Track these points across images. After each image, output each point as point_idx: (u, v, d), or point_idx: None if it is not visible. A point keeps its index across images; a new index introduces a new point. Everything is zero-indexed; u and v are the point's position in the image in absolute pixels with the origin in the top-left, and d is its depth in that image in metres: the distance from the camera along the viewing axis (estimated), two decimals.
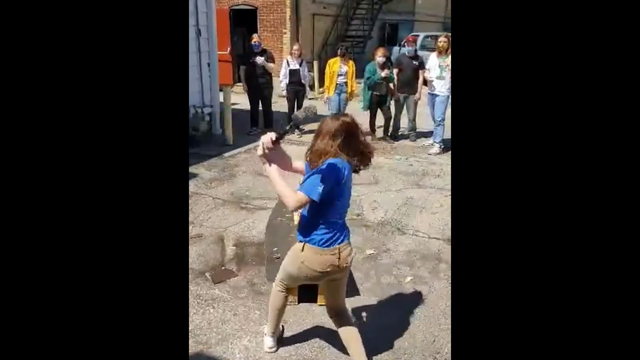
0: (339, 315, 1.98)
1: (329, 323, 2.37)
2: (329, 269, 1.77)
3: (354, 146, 1.76)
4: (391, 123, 6.17)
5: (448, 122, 5.64)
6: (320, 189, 1.64)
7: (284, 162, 1.90)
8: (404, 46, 6.01)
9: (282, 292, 2.01)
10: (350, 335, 1.95)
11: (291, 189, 1.72)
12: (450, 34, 5.72)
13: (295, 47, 6.41)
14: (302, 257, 1.79)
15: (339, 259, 1.77)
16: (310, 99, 7.37)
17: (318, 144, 1.75)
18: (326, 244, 1.74)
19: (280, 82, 6.38)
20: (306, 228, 1.78)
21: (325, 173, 1.67)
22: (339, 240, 1.77)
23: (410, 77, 5.88)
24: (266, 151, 1.77)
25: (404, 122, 6.31)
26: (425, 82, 5.78)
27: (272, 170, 1.78)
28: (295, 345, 2.21)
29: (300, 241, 1.80)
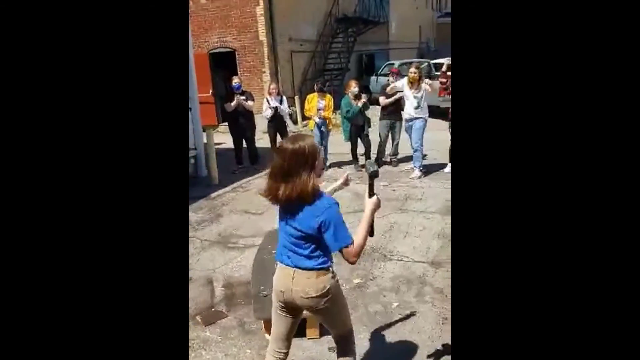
0: (337, 344, 1.96)
1: (319, 357, 2.41)
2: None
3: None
4: (372, 151, 6.35)
5: (425, 147, 5.81)
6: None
7: None
8: (388, 76, 6.41)
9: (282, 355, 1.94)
10: None
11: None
12: (419, 64, 6.00)
13: (272, 85, 6.64)
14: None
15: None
16: (293, 132, 7.56)
17: (294, 173, 1.61)
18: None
19: (264, 113, 6.55)
20: None
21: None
22: (283, 262, 1.77)
23: (395, 105, 6.15)
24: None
25: (389, 148, 6.50)
26: (401, 106, 6.03)
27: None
28: None
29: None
